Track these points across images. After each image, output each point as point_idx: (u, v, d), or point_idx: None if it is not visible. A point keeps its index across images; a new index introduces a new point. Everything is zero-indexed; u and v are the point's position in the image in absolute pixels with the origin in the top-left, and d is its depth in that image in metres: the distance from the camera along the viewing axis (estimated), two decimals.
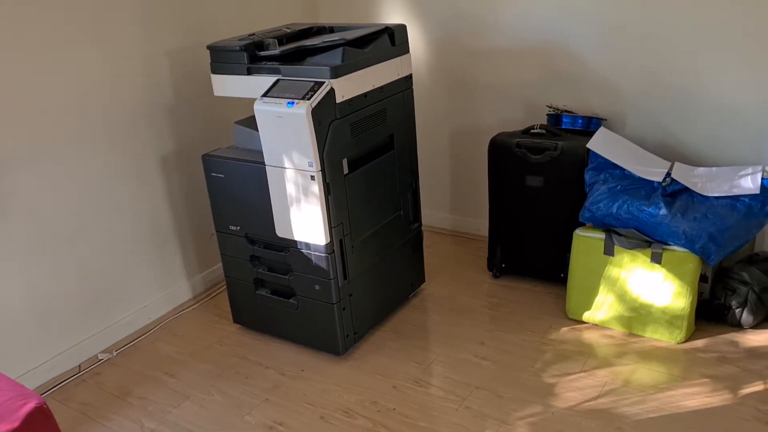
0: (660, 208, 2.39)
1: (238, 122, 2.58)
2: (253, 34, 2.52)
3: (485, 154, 3.15)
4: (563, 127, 2.82)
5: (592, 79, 2.85)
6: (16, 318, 2.41)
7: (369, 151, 2.48)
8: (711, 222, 2.35)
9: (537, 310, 2.74)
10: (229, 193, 2.50)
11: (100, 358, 2.66)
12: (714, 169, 2.52)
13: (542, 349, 2.50)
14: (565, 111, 2.83)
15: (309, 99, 2.17)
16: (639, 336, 2.52)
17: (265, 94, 2.27)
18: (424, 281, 2.97)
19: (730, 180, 2.43)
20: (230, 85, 2.46)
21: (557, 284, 2.87)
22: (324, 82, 2.20)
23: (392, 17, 3.26)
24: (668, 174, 2.50)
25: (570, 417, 2.14)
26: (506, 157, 2.81)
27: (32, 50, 2.32)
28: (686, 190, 2.45)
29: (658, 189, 2.45)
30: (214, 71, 2.49)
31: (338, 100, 2.24)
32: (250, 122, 2.56)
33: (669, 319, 2.46)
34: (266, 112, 2.24)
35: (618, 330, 2.57)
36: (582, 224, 2.67)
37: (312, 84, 2.22)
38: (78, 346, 2.62)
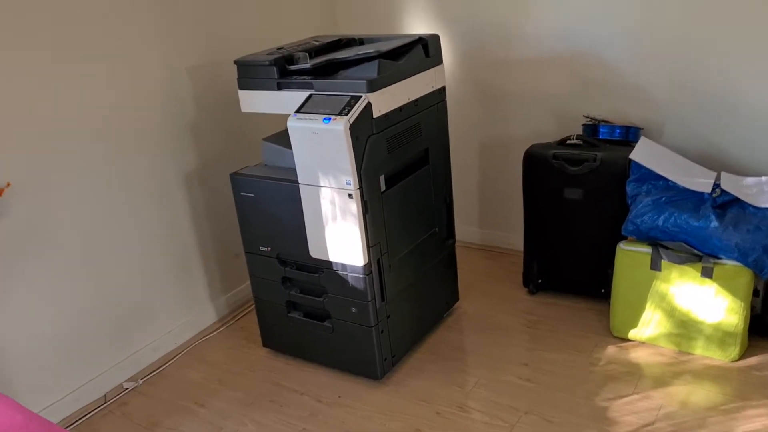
0: (711, 221, 2.28)
1: (267, 139, 2.49)
2: (282, 48, 2.43)
3: (515, 165, 3.06)
4: (600, 137, 2.72)
5: (626, 88, 2.76)
6: (38, 348, 2.30)
7: (404, 166, 2.38)
8: (765, 234, 2.25)
9: (579, 328, 2.64)
10: (260, 213, 2.40)
11: (125, 387, 2.55)
12: (763, 178, 2.43)
13: (589, 370, 2.39)
14: (603, 121, 2.73)
15: (346, 114, 2.07)
16: (690, 354, 2.42)
17: (298, 110, 2.18)
18: (458, 299, 2.86)
19: None
20: (259, 101, 2.37)
21: (598, 300, 2.76)
22: (361, 96, 2.11)
23: (415, 28, 3.17)
24: (717, 185, 2.40)
25: None
26: (543, 169, 2.71)
27: (49, 69, 2.23)
28: (737, 201, 2.35)
29: (707, 200, 2.35)
30: (242, 87, 2.39)
31: (375, 114, 2.15)
32: (279, 139, 2.48)
33: (721, 336, 2.35)
34: (301, 128, 2.14)
35: (667, 348, 2.46)
36: (624, 238, 2.57)
37: (348, 98, 2.12)
38: (103, 375, 2.51)
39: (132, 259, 2.57)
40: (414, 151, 2.41)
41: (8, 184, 2.11)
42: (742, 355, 2.36)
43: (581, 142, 2.71)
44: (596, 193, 2.63)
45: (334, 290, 2.35)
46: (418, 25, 3.16)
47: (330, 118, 2.09)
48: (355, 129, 2.08)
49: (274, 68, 2.29)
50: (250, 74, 2.36)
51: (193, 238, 2.80)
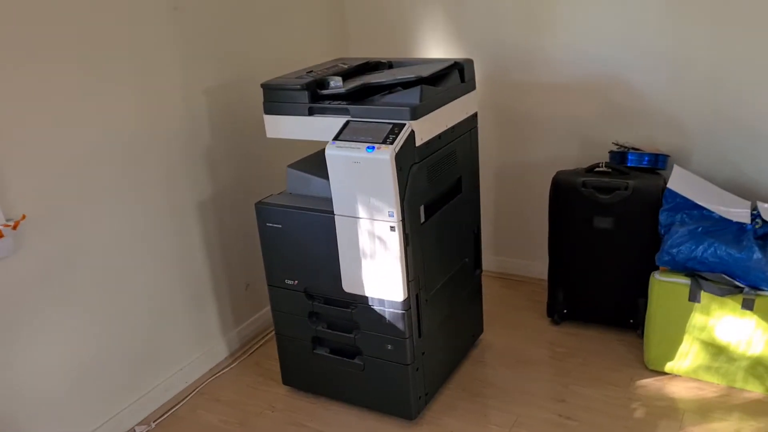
0: (754, 252, 2.24)
1: (293, 166, 2.36)
2: (311, 71, 2.31)
3: (535, 191, 3.01)
4: (628, 164, 2.67)
5: (653, 114, 2.72)
6: (49, 393, 2.12)
7: (440, 195, 2.28)
8: None
9: (611, 360, 2.57)
10: (287, 244, 2.27)
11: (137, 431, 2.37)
12: None
13: (630, 406, 2.32)
14: (632, 148, 2.68)
15: (391, 143, 1.96)
16: (730, 387, 2.36)
17: (336, 138, 2.06)
18: (482, 331, 2.77)
19: None
20: (287, 127, 2.25)
21: (626, 331, 2.70)
22: (404, 124, 2.01)
23: (432, 52, 3.09)
24: (756, 214, 2.36)
25: None
26: (571, 196, 2.64)
27: (59, 97, 2.07)
28: None
29: (748, 231, 2.31)
30: (268, 111, 2.27)
31: (417, 143, 2.05)
32: (306, 166, 2.36)
33: (765, 369, 2.30)
34: (340, 157, 2.03)
35: (706, 381, 2.40)
36: (655, 267, 2.52)
37: (390, 126, 2.02)
38: (113, 419, 2.33)
39: (146, 294, 2.41)
40: (449, 179, 2.31)
41: (23, 217, 1.93)
42: None
43: (610, 170, 2.66)
44: (627, 222, 2.58)
45: (368, 326, 2.23)
46: (434, 49, 3.08)
47: (374, 147, 1.98)
48: (399, 158, 1.97)
49: (306, 92, 2.17)
50: (278, 98, 2.23)
51: (206, 269, 2.65)
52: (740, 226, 2.34)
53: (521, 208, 3.12)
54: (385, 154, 1.95)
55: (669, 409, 2.29)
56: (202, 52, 2.51)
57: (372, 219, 2.05)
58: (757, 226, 2.30)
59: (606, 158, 2.79)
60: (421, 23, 3.07)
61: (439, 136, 2.18)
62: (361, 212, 2.06)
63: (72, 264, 2.14)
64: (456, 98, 2.26)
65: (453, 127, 2.26)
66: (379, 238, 2.07)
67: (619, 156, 2.69)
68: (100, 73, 2.15)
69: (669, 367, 2.46)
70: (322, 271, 2.24)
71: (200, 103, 2.53)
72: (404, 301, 2.12)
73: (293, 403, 2.47)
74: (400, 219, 2.03)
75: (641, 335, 2.66)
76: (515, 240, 3.19)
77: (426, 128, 2.08)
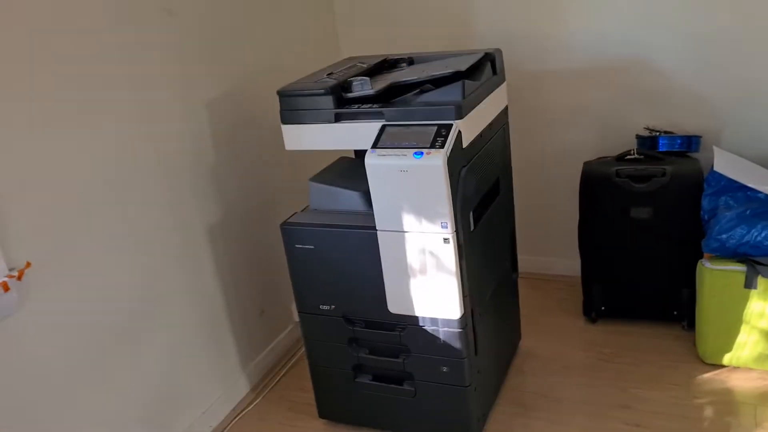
0: None
1: (315, 179, 2.14)
2: (331, 73, 2.09)
3: (557, 185, 2.88)
4: (660, 149, 2.54)
5: (677, 95, 2.60)
6: None
7: (483, 199, 2.09)
8: None
9: (663, 357, 2.43)
10: (321, 267, 2.05)
11: None
12: None
13: (697, 405, 2.18)
14: (665, 132, 2.55)
15: (442, 147, 1.77)
16: None
17: (375, 145, 1.85)
18: (520, 338, 2.60)
19: None
20: (310, 136, 2.02)
21: (670, 324, 2.57)
22: (451, 125, 1.81)
23: (432, 47, 2.90)
24: None
25: None
26: (604, 187, 2.50)
27: (56, 126, 1.80)
28: None
29: None
30: (288, 121, 2.04)
31: (464, 143, 1.86)
32: (328, 178, 2.16)
33: None
34: (384, 166, 1.82)
35: (767, 370, 2.29)
36: (699, 255, 2.39)
37: (435, 128, 1.82)
38: None
39: (161, 336, 2.15)
40: (490, 180, 2.13)
41: (28, 264, 1.66)
42: None
43: (642, 156, 2.52)
44: (666, 210, 2.45)
45: (419, 348, 2.03)
46: (435, 45, 2.89)
47: (422, 153, 1.77)
48: (450, 163, 1.78)
49: (331, 97, 1.95)
50: (298, 106, 2.00)
51: (220, 299, 2.40)
52: None
53: (542, 203, 2.96)
54: (437, 160, 1.75)
55: (738, 404, 2.16)
56: (199, 60, 2.26)
57: (422, 232, 1.85)
58: None
59: (630, 144, 2.66)
60: (419, 16, 2.88)
61: (480, 135, 1.99)
62: (409, 225, 1.86)
63: (78, 311, 1.87)
64: (492, 92, 2.08)
65: (491, 124, 2.08)
66: (431, 253, 1.87)
67: (650, 141, 2.56)
68: (89, 91, 1.88)
69: (727, 359, 2.34)
70: (362, 293, 2.03)
71: (202, 118, 2.28)
72: (461, 318, 1.93)
73: None
74: (455, 230, 1.83)
75: (687, 327, 2.54)
76: (537, 237, 3.03)
77: (470, 127, 1.90)
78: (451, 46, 2.86)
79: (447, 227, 1.82)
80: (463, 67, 1.95)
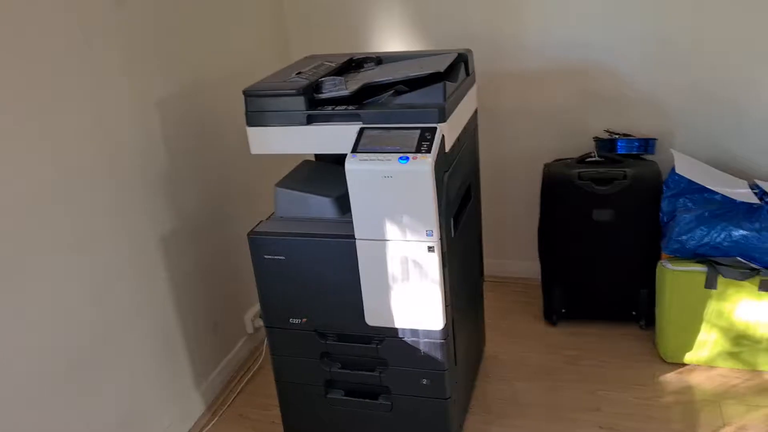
0: None
1: (282, 185, 2.02)
2: (300, 72, 1.97)
3: (515, 188, 2.87)
4: (619, 152, 2.56)
5: (633, 98, 2.64)
6: None
7: (459, 205, 2.03)
8: None
9: (626, 358, 2.46)
10: (292, 278, 1.93)
11: None
12: None
13: (665, 405, 2.21)
14: (624, 134, 2.57)
15: (428, 151, 1.69)
16: (754, 371, 2.32)
17: (355, 149, 1.75)
18: (485, 343, 2.56)
19: None
20: (279, 140, 1.89)
21: (628, 324, 2.61)
22: (435, 128, 1.74)
23: (387, 44, 2.83)
24: (762, 193, 2.33)
25: None
26: (567, 190, 2.50)
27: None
28: None
29: (758, 211, 2.26)
30: (254, 123, 1.90)
31: (447, 147, 1.79)
32: (295, 183, 2.04)
33: None
34: (366, 172, 1.72)
35: (726, 367, 2.35)
36: (658, 256, 2.44)
37: (419, 131, 1.74)
38: None
39: (114, 356, 1.96)
40: (465, 185, 2.08)
41: None
42: None
43: (602, 159, 2.54)
44: (627, 213, 2.47)
45: (398, 361, 1.94)
46: (389, 41, 2.82)
47: (407, 158, 1.69)
48: (435, 168, 1.70)
49: (303, 98, 1.83)
50: (267, 107, 1.87)
51: (173, 314, 2.23)
52: (748, 206, 2.30)
53: (499, 206, 2.94)
54: (424, 165, 1.67)
55: (704, 403, 2.21)
56: (150, 56, 2.08)
57: (405, 240, 1.77)
58: None
59: (587, 147, 2.68)
60: (372, 16, 2.79)
61: (458, 138, 1.93)
62: (391, 234, 1.77)
63: (19, 334, 1.67)
64: (466, 94, 2.02)
65: (466, 127, 2.02)
66: (414, 261, 1.79)
67: (608, 144, 2.58)
68: (33, 88, 1.69)
69: (688, 357, 2.38)
70: (337, 306, 1.92)
71: (153, 119, 2.11)
72: (443, 329, 1.86)
73: None
74: (440, 237, 1.76)
75: (645, 326, 2.58)
76: (494, 240, 3.00)
77: (451, 130, 1.83)
78: (407, 47, 2.79)
79: (432, 235, 1.75)
80: (442, 68, 1.88)
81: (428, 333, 1.88)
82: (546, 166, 2.59)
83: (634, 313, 2.59)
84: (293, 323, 1.99)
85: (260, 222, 1.99)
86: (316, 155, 2.24)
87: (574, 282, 2.62)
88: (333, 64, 2.08)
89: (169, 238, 2.18)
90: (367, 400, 2.03)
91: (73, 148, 1.79)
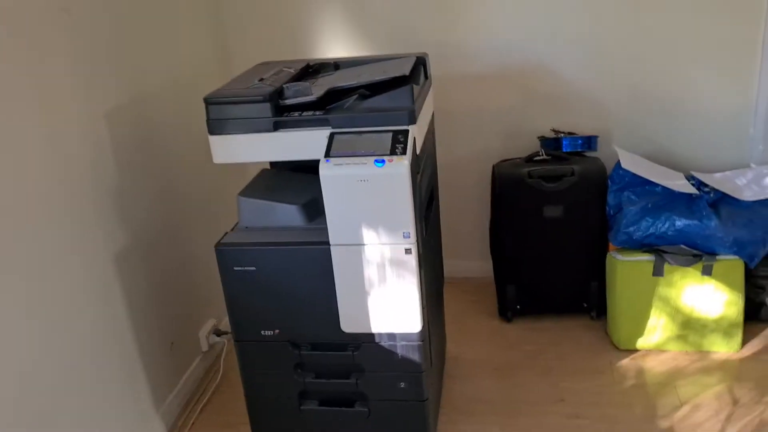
0: (711, 220, 2.34)
1: (245, 194, 1.97)
2: (262, 79, 1.93)
3: (461, 189, 2.91)
4: (564, 150, 2.65)
5: (573, 98, 2.74)
6: None
7: (426, 206, 2.05)
8: (757, 226, 2.37)
9: (582, 348, 2.54)
10: (263, 289, 1.88)
11: None
12: (728, 173, 2.57)
13: (625, 391, 2.30)
14: (569, 133, 2.67)
15: (404, 153, 1.69)
16: (699, 351, 2.46)
17: (328, 154, 1.73)
18: (446, 343, 2.58)
19: (757, 183, 2.48)
20: (245, 148, 1.84)
21: (580, 315, 2.71)
22: (407, 130, 1.74)
23: (332, 50, 2.81)
24: (699, 184, 2.48)
25: None
26: (518, 188, 2.56)
27: None
28: (723, 198, 2.44)
29: (697, 200, 2.40)
30: (216, 131, 1.83)
31: (417, 149, 1.80)
32: (259, 192, 2.00)
33: (725, 328, 2.43)
34: (341, 177, 1.70)
35: (676, 350, 2.48)
36: (606, 248, 2.55)
37: (391, 134, 1.74)
38: None
39: (73, 385, 1.84)
40: (429, 186, 2.09)
41: None
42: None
43: (549, 157, 2.62)
44: (576, 208, 2.56)
45: (375, 366, 1.93)
46: (335, 46, 2.80)
47: (383, 160, 1.69)
48: (410, 170, 1.71)
49: (269, 105, 1.79)
50: (231, 114, 1.82)
51: (130, 336, 2.12)
52: (688, 196, 2.43)
53: (446, 207, 2.97)
54: (401, 167, 1.67)
55: (660, 385, 2.31)
56: (98, 64, 1.98)
57: (382, 243, 1.76)
58: (712, 195, 2.40)
59: (531, 146, 2.76)
60: (315, 22, 2.78)
61: (424, 140, 1.95)
62: (368, 238, 1.76)
63: None
64: (427, 96, 2.04)
65: (428, 130, 2.04)
66: (391, 265, 1.78)
67: (553, 142, 2.67)
68: None
69: (640, 343, 2.49)
70: (311, 314, 1.89)
71: (102, 131, 2.00)
72: (421, 330, 1.86)
73: None
74: (416, 239, 1.76)
75: (596, 317, 2.68)
76: (444, 241, 3.03)
77: (419, 132, 1.84)
78: (351, 53, 2.79)
79: (409, 236, 1.75)
80: (407, 71, 1.89)
81: (406, 336, 1.87)
82: (495, 166, 2.65)
83: (585, 305, 2.69)
84: (265, 335, 1.94)
85: (225, 234, 1.93)
86: (272, 163, 2.20)
87: (526, 279, 2.69)
88: (292, 70, 2.05)
89: (121, 256, 2.07)
90: (343, 408, 2.01)
91: (21, 160, 1.68)
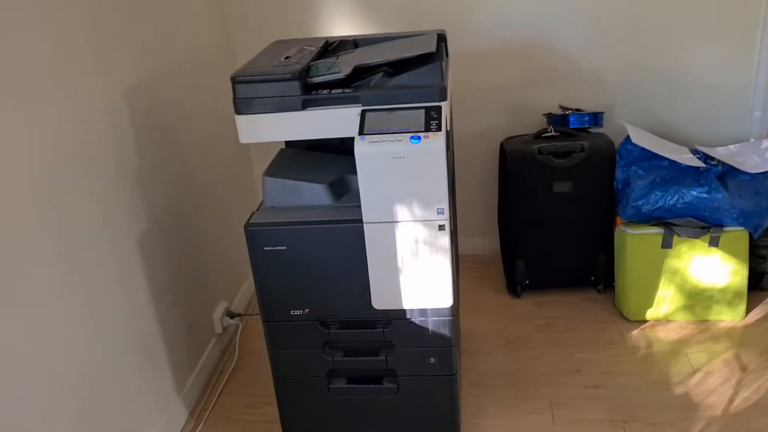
0: (719, 192, 2.40)
1: (270, 174, 1.95)
2: (288, 57, 1.91)
3: (468, 167, 2.93)
4: (571, 126, 2.69)
5: (576, 73, 2.77)
6: None
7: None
8: (762, 197, 2.44)
9: (592, 320, 2.60)
10: (294, 269, 1.87)
11: None
12: (732, 147, 2.63)
13: (639, 360, 2.36)
14: (576, 109, 2.70)
15: (439, 129, 1.70)
16: (705, 321, 2.53)
17: (362, 132, 1.72)
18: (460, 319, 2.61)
19: (760, 155, 2.54)
20: (273, 127, 1.82)
21: (586, 289, 2.76)
22: (440, 107, 1.75)
23: (336, 28, 2.79)
24: (705, 157, 2.53)
25: (738, 423, 2.04)
26: (528, 165, 2.59)
27: None
28: (729, 171, 2.50)
29: (705, 173, 2.46)
30: (244, 110, 1.81)
31: (448, 127, 1.81)
32: (284, 171, 1.98)
33: (730, 298, 2.50)
34: (377, 154, 1.70)
35: (683, 320, 2.55)
36: (613, 223, 2.60)
37: (423, 111, 1.74)
38: None
39: (99, 374, 1.82)
40: (452, 163, 2.10)
41: None
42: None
43: (557, 134, 2.65)
44: (585, 183, 2.60)
45: (405, 342, 1.94)
46: (338, 26, 2.78)
47: (419, 137, 1.69)
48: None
49: (297, 83, 1.78)
50: (258, 93, 1.79)
51: (153, 320, 2.10)
52: (695, 169, 2.49)
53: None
54: (438, 143, 1.68)
55: (672, 354, 2.38)
56: (113, 40, 1.94)
57: (416, 220, 1.77)
58: (720, 168, 2.46)
59: (537, 123, 2.79)
60: (311, 4, 2.76)
61: (450, 118, 1.95)
62: (402, 215, 1.76)
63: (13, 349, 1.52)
64: (448, 74, 2.05)
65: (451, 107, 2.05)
66: (425, 241, 1.79)
67: (560, 119, 2.70)
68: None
69: (649, 314, 2.56)
70: (342, 292, 1.89)
71: (123, 111, 1.96)
72: (452, 306, 1.88)
73: None
74: (449, 215, 1.77)
75: (603, 290, 2.74)
76: None
77: (448, 109, 1.85)
78: (357, 30, 2.77)
79: (443, 212, 1.76)
80: (433, 48, 1.89)
81: (437, 311, 1.89)
82: (503, 143, 2.67)
83: (592, 278, 2.74)
84: (295, 315, 1.93)
85: (252, 213, 1.91)
86: (287, 142, 2.19)
87: (535, 254, 2.73)
88: (314, 48, 2.03)
89: (145, 239, 2.05)
90: (371, 385, 2.02)
91: (49, 145, 1.64)
